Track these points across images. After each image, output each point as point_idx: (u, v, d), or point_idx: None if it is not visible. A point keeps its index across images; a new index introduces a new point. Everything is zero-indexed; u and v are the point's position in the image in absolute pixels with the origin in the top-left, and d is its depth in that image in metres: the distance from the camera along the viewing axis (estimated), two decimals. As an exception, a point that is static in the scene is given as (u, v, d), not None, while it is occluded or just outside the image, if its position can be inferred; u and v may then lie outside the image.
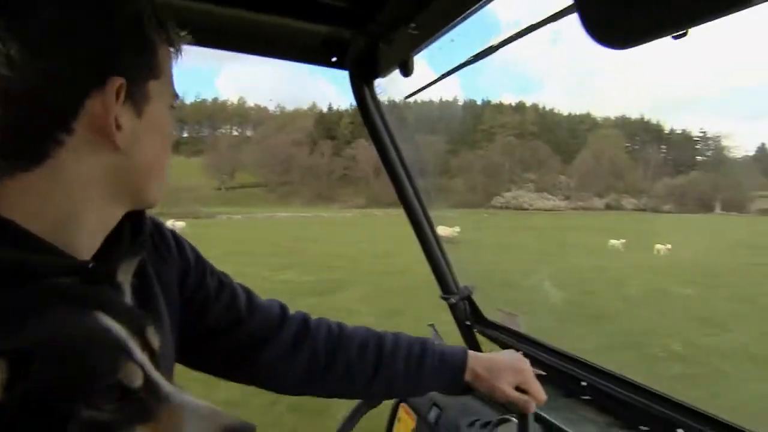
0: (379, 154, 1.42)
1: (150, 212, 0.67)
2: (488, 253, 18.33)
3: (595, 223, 41.48)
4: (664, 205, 77.24)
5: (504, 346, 1.49)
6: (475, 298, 1.61)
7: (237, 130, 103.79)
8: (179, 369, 0.73)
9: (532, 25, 0.83)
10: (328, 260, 15.50)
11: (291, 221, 42.64)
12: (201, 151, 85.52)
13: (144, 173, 0.59)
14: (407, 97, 1.31)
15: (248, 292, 0.85)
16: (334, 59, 1.30)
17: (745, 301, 10.48)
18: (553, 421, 1.12)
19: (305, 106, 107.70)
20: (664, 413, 1.05)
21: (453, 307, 1.59)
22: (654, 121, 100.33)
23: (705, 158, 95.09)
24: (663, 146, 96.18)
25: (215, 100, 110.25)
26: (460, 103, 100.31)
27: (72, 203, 0.53)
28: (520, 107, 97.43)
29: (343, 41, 1.25)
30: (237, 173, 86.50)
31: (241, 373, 0.85)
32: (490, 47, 0.94)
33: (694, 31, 0.46)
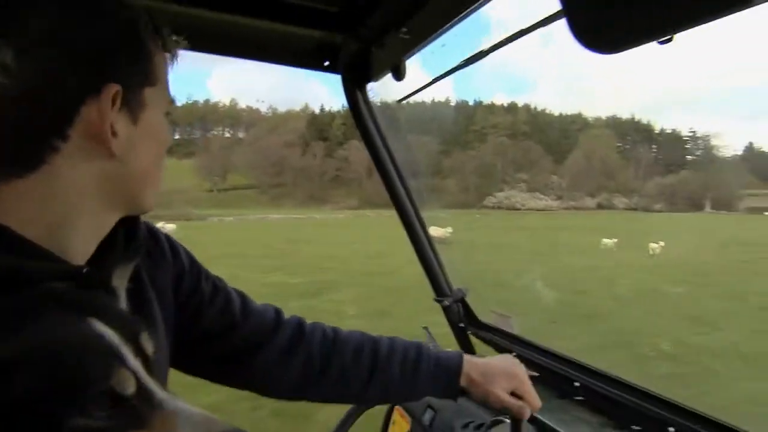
0: (372, 157, 1.42)
1: (142, 215, 0.66)
2: (480, 253, 18.39)
3: (588, 223, 41.78)
4: (655, 204, 77.96)
5: (497, 347, 1.50)
6: (468, 298, 1.62)
7: (229, 132, 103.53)
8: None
9: (521, 30, 0.83)
10: (319, 261, 15.47)
11: (283, 223, 42.55)
12: (192, 153, 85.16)
13: (139, 180, 0.59)
14: (400, 101, 1.32)
15: (243, 297, 0.85)
16: (326, 63, 1.30)
17: (735, 299, 10.59)
18: (546, 422, 1.13)
19: (297, 107, 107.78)
20: (656, 413, 1.06)
21: (446, 310, 1.59)
22: (644, 120, 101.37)
23: (695, 157, 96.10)
24: (653, 146, 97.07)
25: (207, 101, 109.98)
26: (453, 103, 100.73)
27: (67, 209, 0.53)
28: (512, 108, 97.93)
29: (336, 46, 1.26)
30: (229, 175, 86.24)
31: (236, 378, 0.85)
32: (481, 52, 0.94)
33: (681, 34, 0.47)
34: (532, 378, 0.92)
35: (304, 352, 0.84)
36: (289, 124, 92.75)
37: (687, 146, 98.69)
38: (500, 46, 0.91)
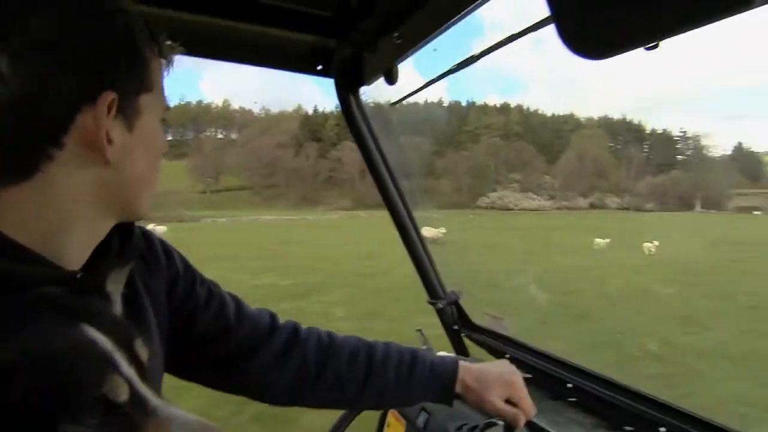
0: (365, 160, 1.42)
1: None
2: (473, 253, 18.41)
3: (581, 223, 41.97)
4: (646, 203, 78.57)
5: (491, 350, 1.50)
6: (461, 299, 1.62)
7: (222, 133, 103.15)
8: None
9: (511, 35, 0.84)
10: (310, 263, 15.37)
11: (276, 224, 42.40)
12: (185, 154, 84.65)
13: (134, 187, 0.59)
14: (392, 105, 1.32)
15: (237, 301, 0.85)
16: (319, 68, 1.31)
17: (725, 298, 10.66)
18: (539, 424, 1.13)
19: (290, 108, 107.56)
20: (648, 413, 1.07)
21: (440, 312, 1.60)
22: (636, 121, 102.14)
23: (685, 157, 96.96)
24: (645, 146, 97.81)
25: (199, 102, 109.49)
26: (446, 104, 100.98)
27: (61, 216, 0.53)
28: (504, 108, 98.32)
29: (329, 50, 1.26)
30: (222, 176, 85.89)
31: (231, 383, 0.84)
32: (472, 56, 0.95)
33: (667, 41, 0.48)
34: (525, 380, 0.92)
35: (299, 357, 0.84)
36: (282, 125, 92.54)
37: (678, 146, 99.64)
38: (490, 51, 0.91)
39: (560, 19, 0.52)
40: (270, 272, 13.47)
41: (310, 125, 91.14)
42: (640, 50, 0.49)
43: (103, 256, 0.59)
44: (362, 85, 1.33)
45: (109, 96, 0.52)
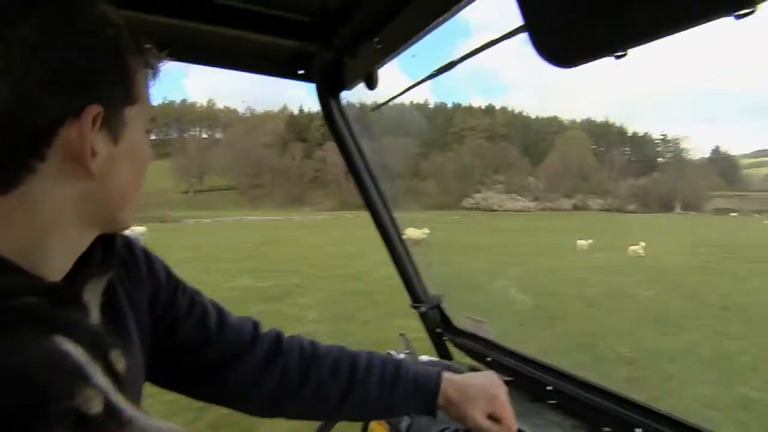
0: (347, 164, 1.43)
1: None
2: (457, 254, 18.48)
3: (564, 224, 42.45)
4: (628, 205, 79.88)
5: (472, 353, 1.52)
6: (443, 303, 1.63)
7: (207, 133, 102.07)
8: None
9: (487, 42, 0.85)
10: (289, 264, 15.15)
11: (260, 225, 42.02)
12: (168, 154, 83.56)
13: (117, 199, 0.58)
14: (373, 110, 1.33)
15: (220, 310, 0.84)
16: (301, 72, 1.31)
17: (695, 300, 10.83)
18: (520, 427, 1.14)
19: (276, 108, 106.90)
20: (625, 414, 1.09)
21: (423, 316, 1.60)
22: (618, 123, 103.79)
23: (665, 160, 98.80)
24: (626, 148, 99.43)
25: (183, 101, 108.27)
26: (431, 106, 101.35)
27: (43, 228, 0.52)
28: (489, 110, 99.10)
29: (310, 55, 1.26)
30: (206, 176, 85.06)
31: (213, 392, 0.83)
32: (451, 62, 0.96)
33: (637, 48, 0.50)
34: (505, 382, 0.92)
35: (282, 365, 0.84)
36: (268, 125, 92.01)
37: (658, 149, 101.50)
38: (468, 57, 0.93)
39: (533, 28, 0.54)
40: (247, 273, 13.24)
41: (296, 125, 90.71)
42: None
43: (86, 266, 0.58)
44: (343, 89, 1.33)
45: (95, 109, 0.51)
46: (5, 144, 0.49)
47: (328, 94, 1.35)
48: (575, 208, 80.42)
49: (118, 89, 0.55)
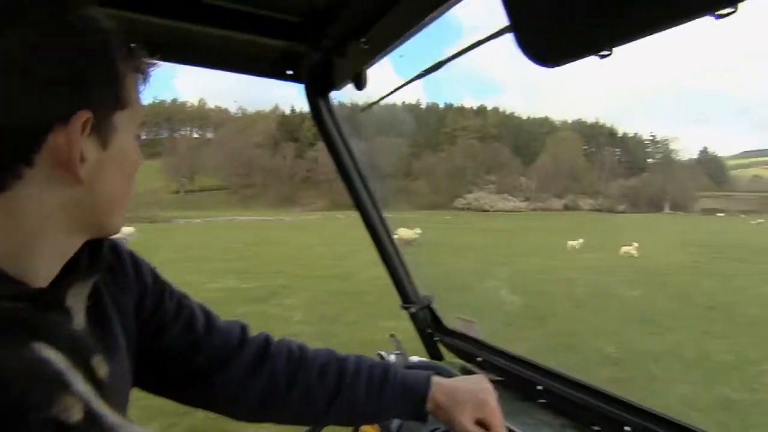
0: (336, 164, 1.43)
1: None
2: (448, 254, 18.52)
3: (556, 224, 42.71)
4: (618, 205, 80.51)
5: (463, 354, 1.52)
6: (434, 303, 1.63)
7: (198, 132, 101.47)
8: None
9: (473, 43, 0.86)
10: (277, 265, 15.08)
11: (251, 225, 41.83)
12: (159, 154, 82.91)
13: (106, 205, 0.58)
14: (363, 110, 1.33)
15: (207, 313, 0.83)
16: (290, 73, 1.31)
17: (683, 299, 10.93)
18: (510, 426, 1.15)
19: (267, 108, 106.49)
20: (614, 413, 1.10)
21: (413, 316, 1.60)
22: (608, 124, 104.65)
23: (655, 161, 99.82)
24: (617, 149, 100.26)
25: (174, 101, 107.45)
26: (423, 106, 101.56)
27: (29, 235, 0.52)
28: (481, 111, 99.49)
29: (299, 55, 1.26)
30: (197, 176, 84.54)
31: (200, 397, 0.83)
32: (438, 63, 0.97)
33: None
34: (496, 382, 0.92)
35: (270, 369, 0.83)
36: (259, 125, 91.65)
37: (648, 150, 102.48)
38: (454, 58, 0.93)
39: (518, 28, 0.54)
40: (233, 274, 13.15)
41: (288, 125, 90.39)
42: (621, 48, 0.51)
43: (73, 271, 0.58)
44: (332, 89, 1.33)
45: (84, 115, 0.50)
46: None
47: (316, 95, 1.35)
48: (566, 208, 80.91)
49: (108, 94, 0.54)
